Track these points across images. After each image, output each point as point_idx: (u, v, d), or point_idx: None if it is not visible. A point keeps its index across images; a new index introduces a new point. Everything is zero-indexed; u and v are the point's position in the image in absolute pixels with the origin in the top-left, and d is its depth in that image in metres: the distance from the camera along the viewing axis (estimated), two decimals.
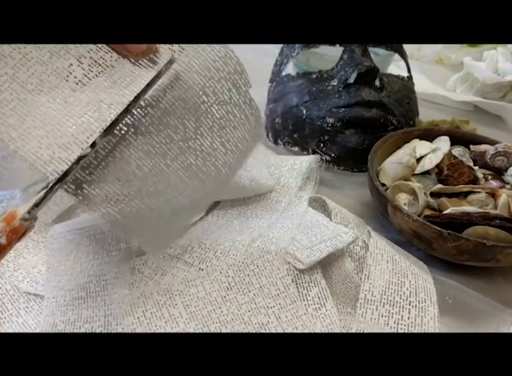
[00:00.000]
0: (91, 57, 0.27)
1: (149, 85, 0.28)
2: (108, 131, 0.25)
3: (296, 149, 0.52)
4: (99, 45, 0.28)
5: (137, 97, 0.27)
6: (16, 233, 0.22)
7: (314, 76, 0.52)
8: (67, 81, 0.26)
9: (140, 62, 0.29)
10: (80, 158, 0.24)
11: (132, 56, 0.28)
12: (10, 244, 0.22)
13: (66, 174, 0.24)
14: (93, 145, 0.25)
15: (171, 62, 0.29)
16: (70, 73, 0.27)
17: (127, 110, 0.26)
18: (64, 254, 0.35)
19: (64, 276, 0.33)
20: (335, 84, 0.50)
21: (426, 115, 0.58)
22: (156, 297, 0.32)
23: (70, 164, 0.24)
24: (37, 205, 0.23)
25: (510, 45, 0.71)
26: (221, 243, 0.35)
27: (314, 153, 0.51)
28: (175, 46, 0.30)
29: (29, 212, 0.23)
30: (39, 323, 0.32)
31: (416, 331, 0.32)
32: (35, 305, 0.33)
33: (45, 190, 0.24)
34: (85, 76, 0.27)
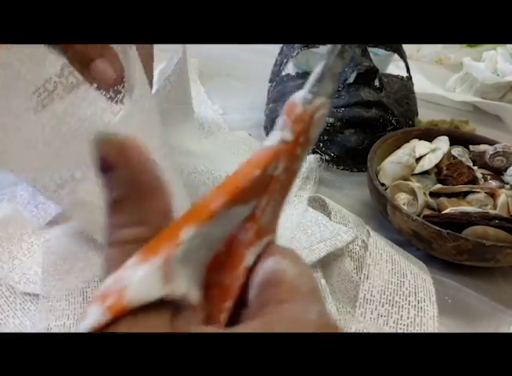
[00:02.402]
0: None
1: None
2: None
3: None
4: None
5: None
6: (301, 123, 0.17)
7: None
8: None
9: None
10: None
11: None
12: (299, 138, 0.17)
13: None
14: None
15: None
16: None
17: None
18: (61, 258, 0.34)
19: (60, 281, 0.33)
20: None
21: (425, 115, 0.58)
22: None
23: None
24: (319, 80, 0.18)
25: (509, 46, 0.71)
26: None
27: (313, 152, 0.51)
28: None
29: (311, 91, 0.18)
30: (34, 326, 0.31)
31: (415, 331, 0.32)
32: (32, 306, 0.33)
33: (323, 62, 0.19)
34: None
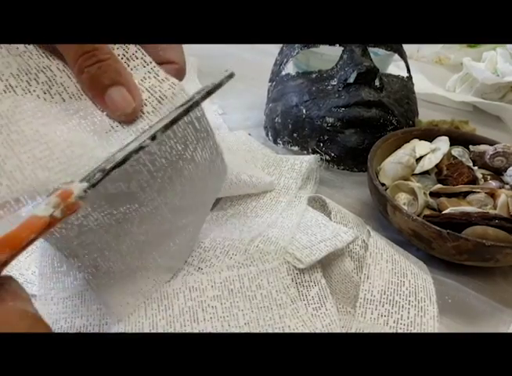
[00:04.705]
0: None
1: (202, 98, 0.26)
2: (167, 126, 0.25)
3: (295, 148, 0.52)
4: None
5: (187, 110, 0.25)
6: (71, 209, 0.23)
7: (314, 76, 0.52)
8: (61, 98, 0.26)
9: None
10: (140, 148, 0.24)
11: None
12: (62, 219, 0.22)
13: (124, 160, 0.24)
14: (153, 138, 0.24)
15: (231, 76, 0.27)
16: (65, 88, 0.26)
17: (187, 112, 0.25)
18: (58, 260, 0.34)
19: (58, 284, 0.32)
20: (335, 83, 0.50)
21: (425, 115, 0.58)
22: (151, 304, 0.31)
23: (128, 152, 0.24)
24: (93, 186, 0.23)
25: (509, 46, 0.71)
26: (220, 242, 0.35)
27: (314, 152, 0.51)
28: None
29: (85, 191, 0.23)
30: None
31: (415, 331, 0.32)
32: None
33: (102, 173, 0.23)
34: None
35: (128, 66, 0.27)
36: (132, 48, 0.28)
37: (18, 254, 0.21)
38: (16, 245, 0.21)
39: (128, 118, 0.26)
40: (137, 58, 0.28)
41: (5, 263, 0.22)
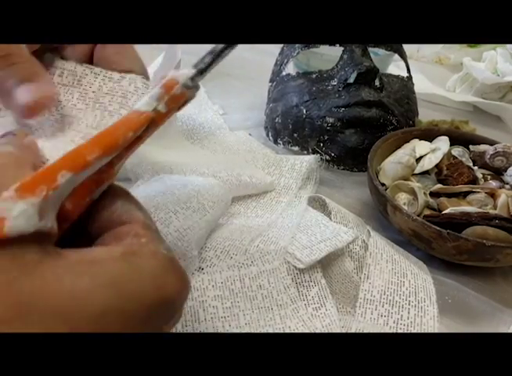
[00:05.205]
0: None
1: None
2: None
3: (296, 148, 0.52)
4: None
5: None
6: (176, 102, 0.20)
7: (314, 76, 0.52)
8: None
9: None
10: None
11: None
12: (169, 113, 0.20)
13: None
14: None
15: None
16: None
17: None
18: None
19: None
20: (335, 84, 0.50)
21: (425, 115, 0.58)
22: None
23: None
24: (201, 72, 0.20)
25: (509, 46, 0.71)
26: (220, 242, 0.35)
27: (314, 152, 0.51)
28: None
29: (192, 79, 0.20)
30: None
31: (415, 331, 0.32)
32: None
33: (211, 55, 0.21)
34: None
35: (81, 85, 0.26)
36: (79, 68, 0.26)
37: (113, 153, 0.18)
38: (108, 144, 0.18)
39: (30, 112, 0.23)
40: (87, 74, 0.26)
41: (112, 165, 0.19)
